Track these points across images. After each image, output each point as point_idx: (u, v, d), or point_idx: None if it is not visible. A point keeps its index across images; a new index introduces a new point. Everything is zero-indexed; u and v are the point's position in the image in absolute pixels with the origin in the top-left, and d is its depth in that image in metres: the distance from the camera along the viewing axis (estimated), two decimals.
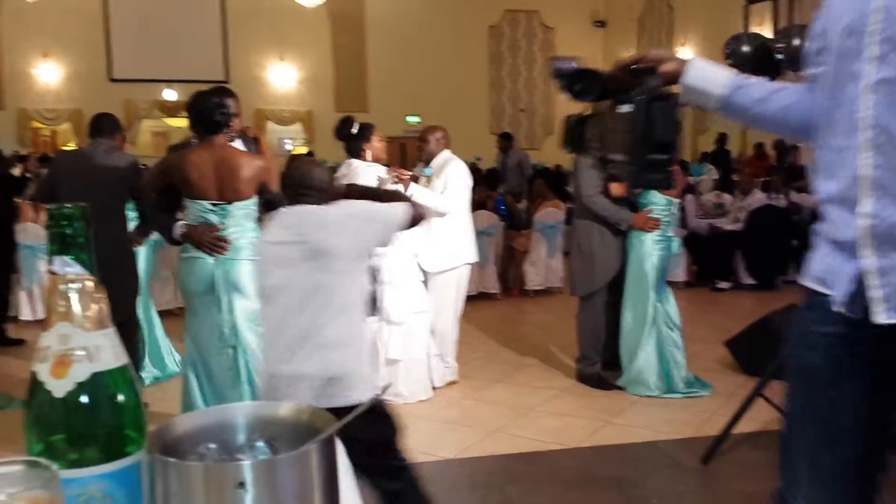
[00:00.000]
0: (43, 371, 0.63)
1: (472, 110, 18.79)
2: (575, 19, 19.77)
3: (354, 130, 4.60)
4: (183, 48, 17.64)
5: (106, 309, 0.65)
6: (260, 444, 0.64)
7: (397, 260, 4.52)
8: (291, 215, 2.43)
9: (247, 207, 3.37)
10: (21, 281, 6.76)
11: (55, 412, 0.64)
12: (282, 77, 18.15)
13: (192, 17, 17.86)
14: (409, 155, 15.51)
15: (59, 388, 0.62)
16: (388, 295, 4.51)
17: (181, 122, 19.77)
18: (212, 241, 3.29)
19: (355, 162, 4.58)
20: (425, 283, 4.73)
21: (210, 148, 3.35)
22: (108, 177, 4.12)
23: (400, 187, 4.39)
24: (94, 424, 0.65)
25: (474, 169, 8.35)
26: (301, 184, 2.46)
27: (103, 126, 4.30)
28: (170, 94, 18.15)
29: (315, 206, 2.43)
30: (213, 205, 3.34)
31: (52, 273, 0.63)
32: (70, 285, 0.63)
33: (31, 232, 6.67)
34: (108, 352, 0.64)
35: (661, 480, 3.60)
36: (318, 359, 2.28)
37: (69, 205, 0.63)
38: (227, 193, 3.33)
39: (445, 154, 4.84)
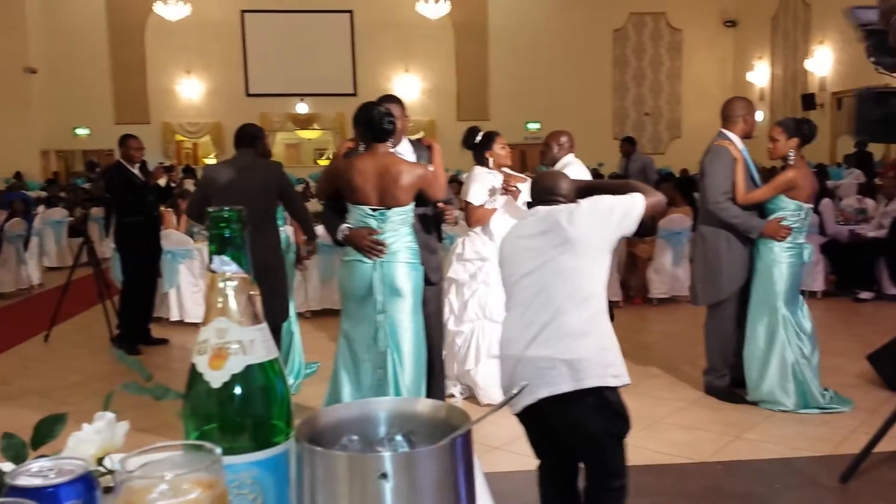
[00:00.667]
0: (201, 363, 0.68)
1: (595, 115, 18.52)
2: (703, 20, 19.12)
3: (478, 139, 4.67)
4: (314, 63, 18.38)
5: (259, 305, 0.70)
6: (398, 437, 0.67)
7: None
8: (541, 212, 2.60)
9: (404, 213, 3.49)
10: (162, 285, 7.22)
11: (211, 402, 0.68)
12: (407, 88, 18.57)
13: (322, 33, 18.57)
14: (530, 162, 15.47)
15: (216, 378, 0.67)
16: (489, 293, 4.55)
17: (312, 134, 20.64)
18: (370, 244, 3.43)
19: (477, 168, 4.64)
20: None
21: (374, 155, 3.48)
22: (257, 184, 4.33)
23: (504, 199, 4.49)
24: (245, 414, 0.69)
25: (596, 176, 8.20)
26: (550, 192, 2.66)
27: (247, 137, 4.53)
28: (301, 108, 18.94)
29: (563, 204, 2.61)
30: (373, 210, 3.47)
31: (212, 271, 0.68)
32: (227, 283, 0.68)
33: (173, 238, 7.14)
34: (260, 345, 0.69)
35: (794, 499, 3.42)
36: (559, 344, 2.39)
37: (227, 208, 0.68)
38: (386, 199, 3.46)
39: (568, 158, 4.80)
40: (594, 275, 2.47)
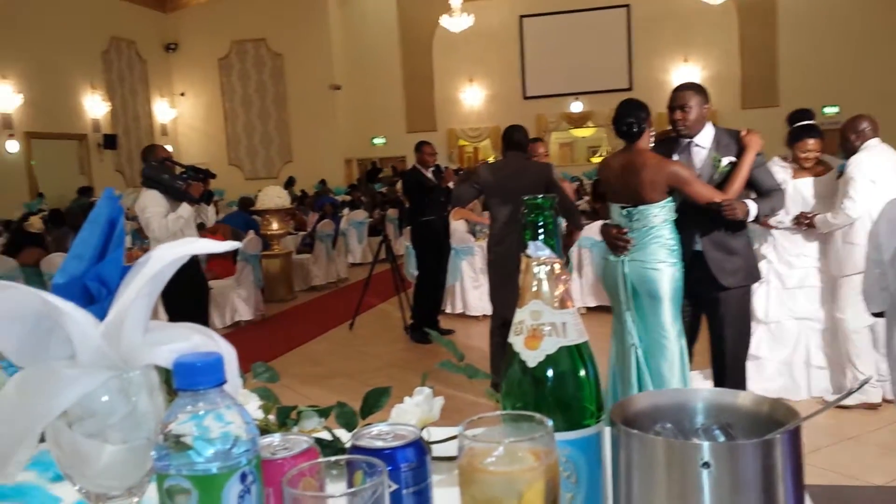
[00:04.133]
0: (518, 343, 0.71)
1: None
2: None
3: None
4: (589, 61, 18.35)
5: (570, 288, 0.71)
6: (716, 429, 0.64)
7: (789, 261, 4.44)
8: None
9: (655, 211, 3.38)
10: (447, 279, 7.69)
11: (526, 380, 0.72)
12: (686, 78, 17.73)
13: (598, 30, 18.48)
14: (829, 149, 13.98)
15: (531, 358, 0.70)
16: (763, 293, 4.45)
17: (586, 132, 20.67)
18: (615, 239, 3.41)
19: (775, 159, 4.45)
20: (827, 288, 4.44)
21: (628, 154, 3.50)
22: (525, 183, 4.56)
23: None
24: (558, 394, 0.71)
25: None
26: None
27: (515, 138, 4.86)
28: (576, 106, 19.01)
29: None
30: (622, 207, 3.46)
31: (527, 256, 0.71)
32: (541, 267, 0.70)
33: (457, 236, 7.57)
34: (572, 329, 0.70)
35: None
36: None
37: (540, 196, 0.71)
38: (634, 197, 3.41)
39: (872, 142, 4.30)
40: None
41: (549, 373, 0.71)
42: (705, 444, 0.58)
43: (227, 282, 7.91)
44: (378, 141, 19.94)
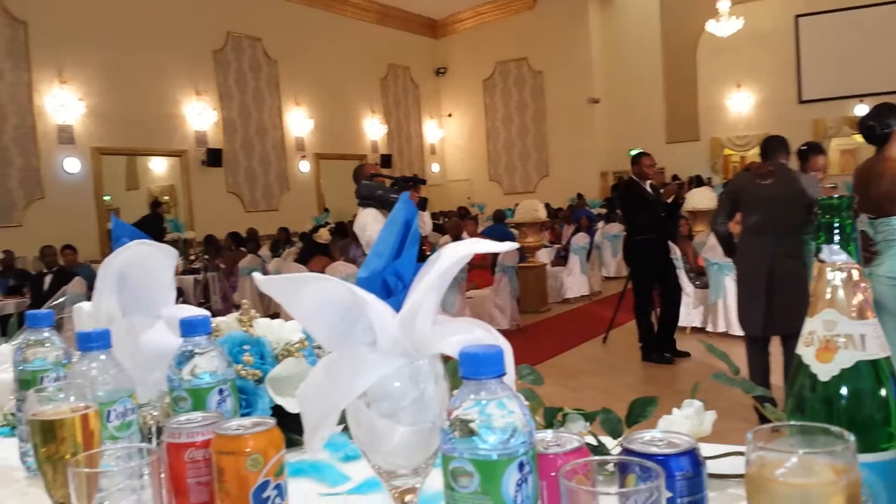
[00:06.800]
0: (808, 355, 0.67)
1: None
2: None
3: None
4: (874, 61, 16.51)
5: (870, 298, 0.65)
6: None
7: None
8: None
9: (894, 223, 3.12)
10: (708, 295, 7.30)
11: (816, 395, 0.67)
12: None
13: (884, 27, 16.58)
14: None
15: (824, 372, 0.65)
16: None
17: None
18: (862, 249, 3.16)
19: None
20: None
21: (872, 160, 3.30)
22: (782, 194, 4.25)
23: None
24: (853, 413, 0.65)
25: None
26: None
27: (773, 147, 4.49)
28: (860, 110, 17.15)
29: None
30: (869, 218, 3.23)
31: (820, 261, 0.66)
32: (836, 273, 0.65)
33: (718, 251, 7.16)
34: (872, 341, 0.64)
35: None
36: None
37: (836, 196, 0.66)
38: (876, 207, 3.20)
39: None
40: None
41: (844, 389, 0.65)
42: None
43: (485, 292, 8.22)
44: (635, 153, 19.53)
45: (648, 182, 6.37)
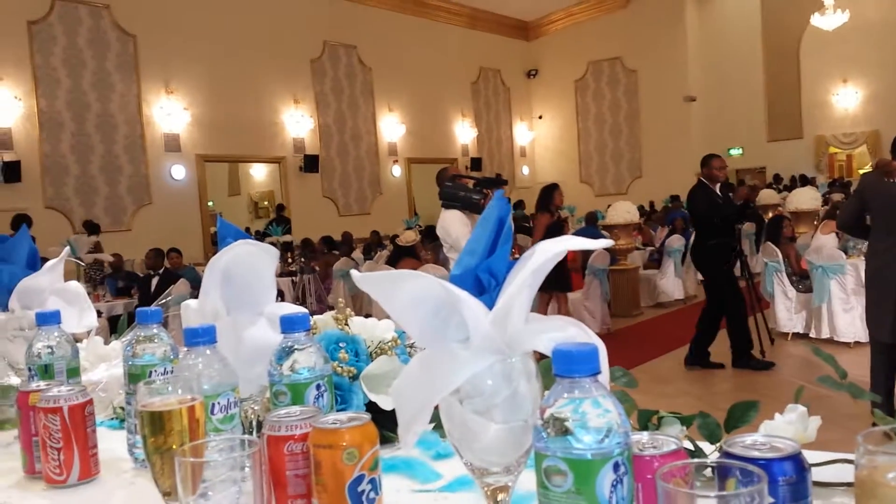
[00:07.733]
0: None
1: None
2: None
3: None
4: None
5: None
6: None
7: None
8: None
9: None
10: (812, 300, 6.99)
11: None
12: None
13: None
14: None
15: None
16: None
17: None
18: None
19: None
20: None
21: None
22: None
23: None
24: None
25: None
26: None
27: None
28: None
29: None
30: None
31: None
32: None
33: (824, 253, 6.85)
34: None
35: None
36: None
37: None
38: None
39: None
40: None
41: None
42: None
43: (576, 295, 8.11)
44: (734, 152, 18.88)
45: (718, 185, 6.20)
